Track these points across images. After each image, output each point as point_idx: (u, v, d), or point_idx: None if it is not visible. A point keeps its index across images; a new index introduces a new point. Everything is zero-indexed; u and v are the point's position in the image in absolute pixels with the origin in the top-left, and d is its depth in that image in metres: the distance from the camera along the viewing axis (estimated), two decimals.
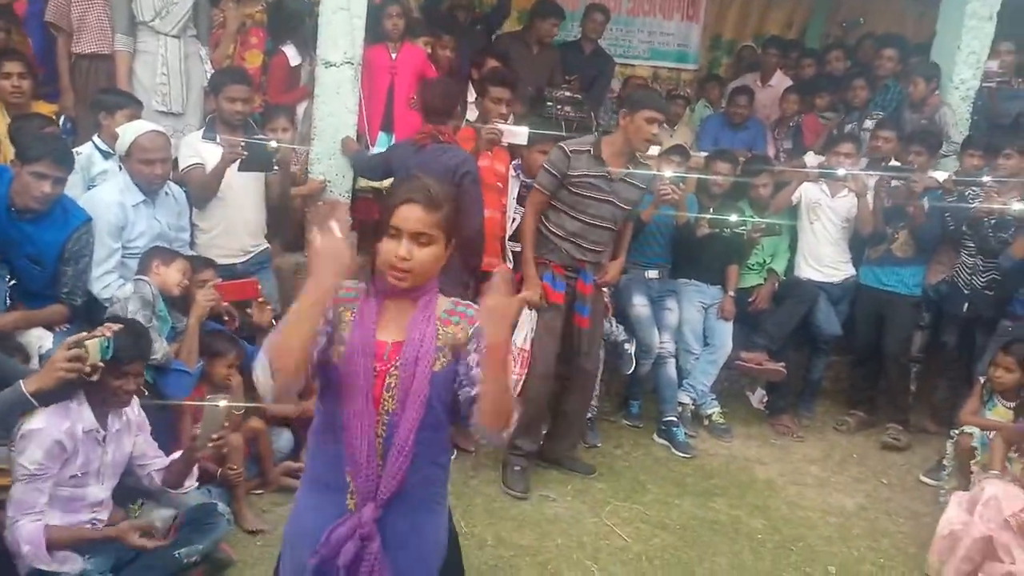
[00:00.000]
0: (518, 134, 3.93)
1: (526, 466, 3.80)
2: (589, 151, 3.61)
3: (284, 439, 3.64)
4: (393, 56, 4.68)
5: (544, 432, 3.98)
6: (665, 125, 6.08)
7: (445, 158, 3.65)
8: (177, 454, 2.83)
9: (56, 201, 3.09)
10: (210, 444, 2.50)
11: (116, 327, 2.56)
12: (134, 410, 2.78)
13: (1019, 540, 3.20)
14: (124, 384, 2.59)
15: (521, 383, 3.68)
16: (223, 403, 2.50)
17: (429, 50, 4.94)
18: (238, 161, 3.65)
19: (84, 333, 2.46)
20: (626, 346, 4.37)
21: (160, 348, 3.14)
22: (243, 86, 3.84)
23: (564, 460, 4.00)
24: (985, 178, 4.39)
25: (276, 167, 3.89)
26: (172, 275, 3.29)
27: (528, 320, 3.69)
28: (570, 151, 3.60)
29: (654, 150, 5.06)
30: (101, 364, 2.44)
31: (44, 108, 4.50)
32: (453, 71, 5.15)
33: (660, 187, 4.29)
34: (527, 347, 3.67)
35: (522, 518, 3.53)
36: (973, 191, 4.43)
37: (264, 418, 3.50)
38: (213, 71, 4.34)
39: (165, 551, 2.67)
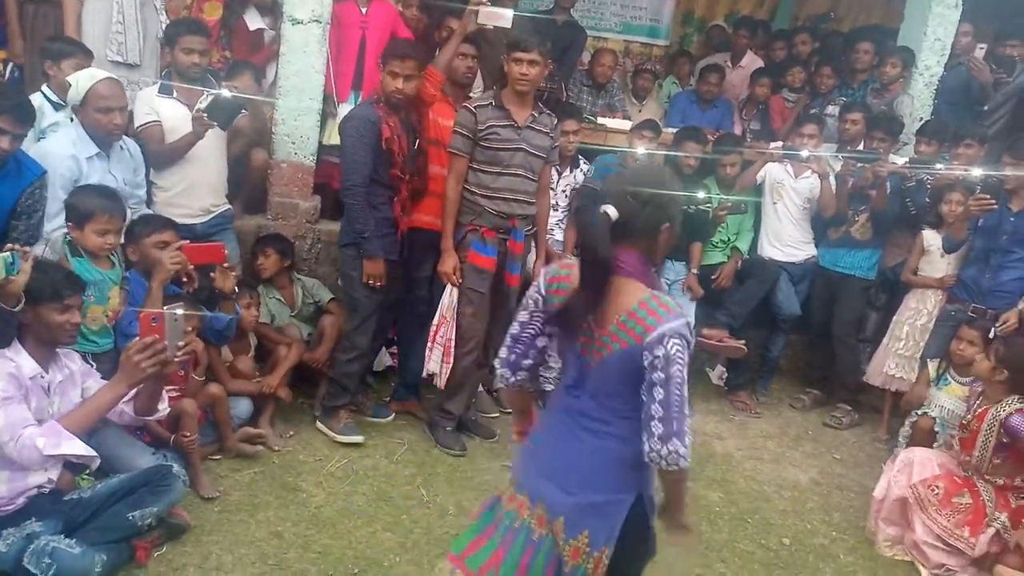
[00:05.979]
0: (503, 16, 3.73)
1: (456, 427, 3.89)
2: (491, 103, 3.61)
3: (243, 405, 3.58)
4: (363, 10, 4.52)
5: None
6: (635, 100, 6.10)
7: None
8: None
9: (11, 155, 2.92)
10: (179, 354, 2.50)
11: (27, 249, 2.50)
12: (76, 362, 2.74)
13: (918, 509, 3.34)
14: (70, 317, 2.61)
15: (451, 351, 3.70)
16: (180, 311, 2.49)
17: (400, 7, 4.79)
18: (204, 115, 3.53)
19: None
20: None
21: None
22: (199, 37, 3.69)
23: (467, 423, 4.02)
24: (938, 165, 4.48)
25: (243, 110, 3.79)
26: (89, 239, 2.97)
27: (449, 290, 3.68)
28: (474, 107, 3.59)
29: (626, 124, 5.08)
30: (10, 280, 2.38)
31: None
32: (422, 32, 5.02)
33: None
34: (447, 315, 3.67)
35: (484, 488, 3.51)
36: (929, 177, 4.53)
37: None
38: (168, 22, 4.16)
39: (118, 513, 2.61)
